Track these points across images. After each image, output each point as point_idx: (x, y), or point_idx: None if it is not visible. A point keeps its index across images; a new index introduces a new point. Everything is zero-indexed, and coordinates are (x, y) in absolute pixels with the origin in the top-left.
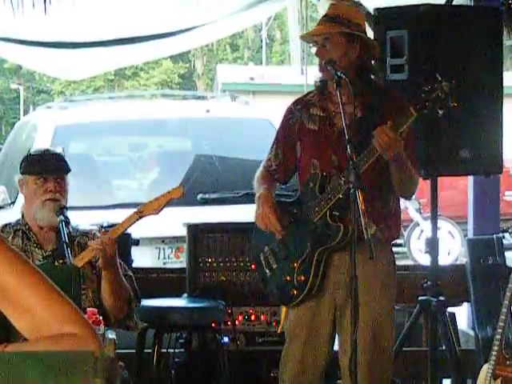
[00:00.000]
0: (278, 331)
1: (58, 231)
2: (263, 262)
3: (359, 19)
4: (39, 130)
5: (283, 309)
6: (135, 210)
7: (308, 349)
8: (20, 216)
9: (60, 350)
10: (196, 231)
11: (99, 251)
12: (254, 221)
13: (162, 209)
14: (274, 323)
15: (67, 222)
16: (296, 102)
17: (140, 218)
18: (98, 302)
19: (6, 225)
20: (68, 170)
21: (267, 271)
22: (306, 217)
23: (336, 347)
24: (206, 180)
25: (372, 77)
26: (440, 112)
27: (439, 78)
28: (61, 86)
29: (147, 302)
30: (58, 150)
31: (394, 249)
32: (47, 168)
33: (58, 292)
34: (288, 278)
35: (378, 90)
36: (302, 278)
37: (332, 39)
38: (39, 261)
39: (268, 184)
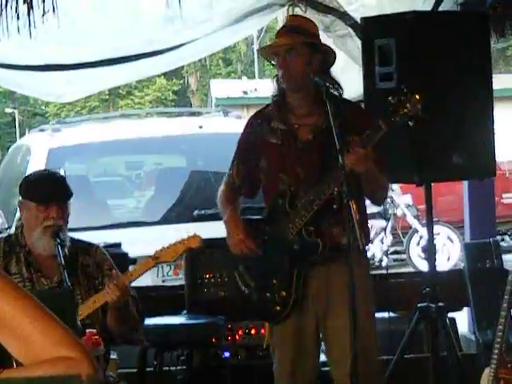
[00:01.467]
0: (264, 346)
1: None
2: (239, 280)
3: (316, 30)
4: (33, 153)
5: (267, 325)
6: (149, 256)
7: (297, 364)
8: (14, 233)
9: (48, 375)
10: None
11: (112, 300)
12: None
13: (178, 257)
14: None
15: (63, 245)
16: (255, 117)
17: (155, 264)
18: (102, 326)
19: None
20: (71, 196)
21: (244, 289)
22: (280, 233)
23: (322, 358)
24: (201, 196)
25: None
26: (411, 123)
27: (405, 91)
28: (55, 108)
29: (147, 321)
30: (61, 172)
31: (395, 256)
32: (51, 196)
33: (53, 317)
34: (268, 295)
35: (338, 101)
36: (284, 293)
37: (296, 49)
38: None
39: (232, 205)
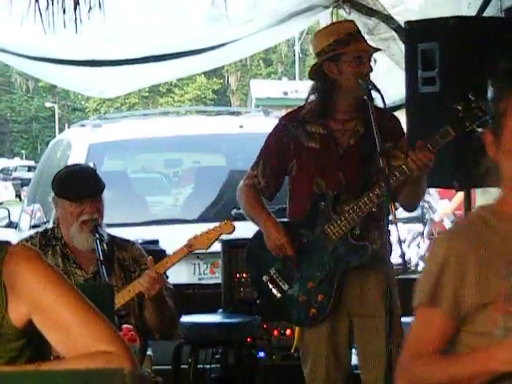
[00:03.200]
0: (292, 351)
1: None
2: (269, 285)
3: None
4: (73, 148)
5: (297, 329)
6: (183, 245)
7: (332, 367)
8: (51, 226)
9: (91, 368)
10: (230, 247)
11: (146, 289)
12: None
13: (212, 244)
14: None
15: (101, 240)
16: (289, 119)
17: (189, 252)
18: (139, 319)
19: (36, 234)
20: (103, 189)
21: (276, 293)
22: (322, 237)
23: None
24: None
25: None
26: (479, 131)
27: (472, 98)
28: (95, 103)
29: (183, 318)
30: (90, 165)
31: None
32: (83, 193)
33: (95, 310)
34: (304, 298)
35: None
36: (321, 296)
37: (370, 56)
38: (81, 282)
39: (264, 205)
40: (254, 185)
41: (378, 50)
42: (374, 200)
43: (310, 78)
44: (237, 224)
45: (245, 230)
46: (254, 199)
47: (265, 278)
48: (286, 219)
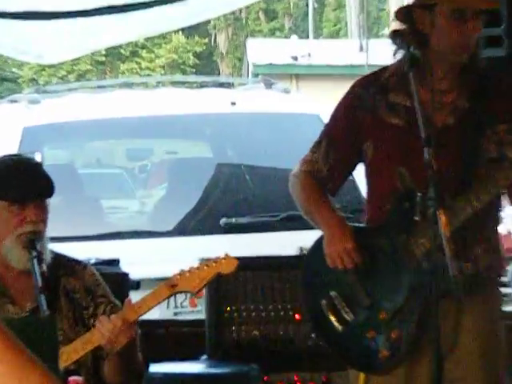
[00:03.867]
0: None
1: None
2: (329, 313)
3: None
4: (1, 133)
5: (360, 376)
6: (163, 282)
7: None
8: None
9: None
10: None
11: (109, 342)
12: (299, 253)
13: (203, 287)
14: None
15: (40, 260)
16: (366, 84)
17: (172, 294)
18: (93, 375)
19: None
20: (53, 191)
21: (337, 325)
22: (403, 251)
23: None
24: (231, 198)
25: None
26: None
27: None
28: (31, 71)
29: (152, 368)
30: (36, 157)
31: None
32: (27, 192)
33: (28, 356)
34: (373, 335)
35: (484, 75)
36: (398, 333)
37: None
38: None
39: (327, 198)
40: (313, 173)
41: (492, 5)
42: (476, 203)
43: (399, 19)
44: (227, 238)
45: (237, 246)
46: (313, 190)
47: (323, 302)
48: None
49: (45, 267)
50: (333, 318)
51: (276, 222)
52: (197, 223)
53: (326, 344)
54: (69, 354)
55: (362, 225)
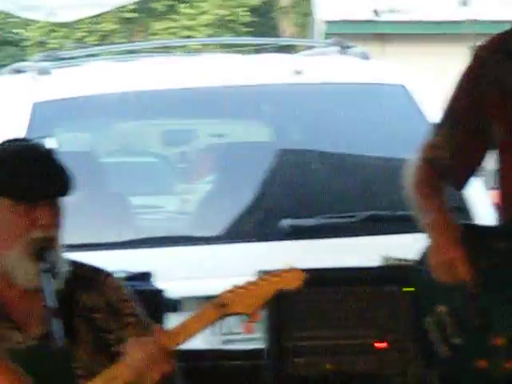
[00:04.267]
0: None
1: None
2: (433, 333)
3: None
4: (5, 110)
5: None
6: (211, 301)
7: None
8: None
9: None
10: None
11: (139, 375)
12: (382, 264)
13: (262, 307)
14: None
15: (55, 273)
16: (491, 49)
17: (221, 317)
18: None
19: None
20: (70, 188)
21: (442, 349)
22: None
23: None
24: (296, 195)
25: None
26: None
27: None
28: (39, 32)
29: None
30: (50, 143)
31: None
32: (38, 188)
33: None
34: (483, 365)
35: None
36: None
37: None
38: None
39: (441, 196)
40: (432, 161)
41: None
42: None
43: None
44: (290, 244)
45: (304, 254)
46: (426, 183)
47: (428, 319)
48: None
49: (60, 283)
50: (436, 340)
51: (353, 225)
52: (252, 226)
53: (430, 369)
54: None
55: (482, 224)
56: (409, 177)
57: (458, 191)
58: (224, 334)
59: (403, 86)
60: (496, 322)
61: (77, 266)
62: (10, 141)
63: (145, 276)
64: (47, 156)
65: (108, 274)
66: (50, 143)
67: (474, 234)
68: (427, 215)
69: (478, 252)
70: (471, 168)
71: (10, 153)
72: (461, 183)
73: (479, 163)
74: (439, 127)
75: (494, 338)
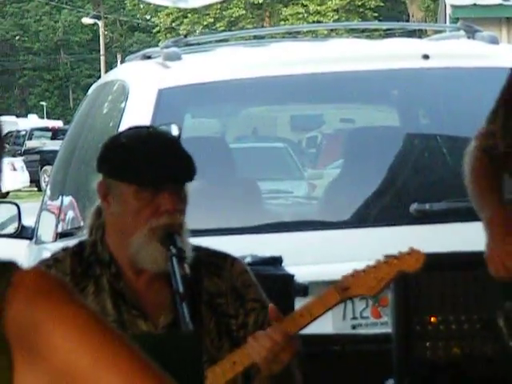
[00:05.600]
0: None
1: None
2: (504, 331)
3: None
4: (131, 96)
5: None
6: (332, 284)
7: None
8: (88, 239)
9: None
10: None
11: (265, 361)
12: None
13: (383, 289)
14: None
15: (182, 258)
16: None
17: (343, 300)
18: None
19: (65, 254)
20: (194, 175)
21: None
22: None
23: None
24: (424, 179)
25: None
26: None
27: None
28: (169, 18)
29: None
30: (173, 130)
31: None
32: (163, 175)
33: (162, 380)
34: None
35: None
36: None
37: None
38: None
39: (498, 188)
40: (487, 151)
41: None
42: None
43: None
44: (419, 229)
45: (433, 238)
46: (482, 173)
47: (501, 319)
48: None
49: (187, 269)
50: (506, 336)
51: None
52: (380, 211)
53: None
54: (215, 378)
55: None
56: (466, 166)
57: None
58: (352, 319)
59: None
60: None
61: (202, 251)
62: (133, 128)
63: (275, 261)
64: (172, 143)
65: (234, 260)
66: (175, 130)
67: None
68: (485, 210)
69: None
70: None
71: (135, 139)
72: None
73: None
74: (493, 115)
75: None
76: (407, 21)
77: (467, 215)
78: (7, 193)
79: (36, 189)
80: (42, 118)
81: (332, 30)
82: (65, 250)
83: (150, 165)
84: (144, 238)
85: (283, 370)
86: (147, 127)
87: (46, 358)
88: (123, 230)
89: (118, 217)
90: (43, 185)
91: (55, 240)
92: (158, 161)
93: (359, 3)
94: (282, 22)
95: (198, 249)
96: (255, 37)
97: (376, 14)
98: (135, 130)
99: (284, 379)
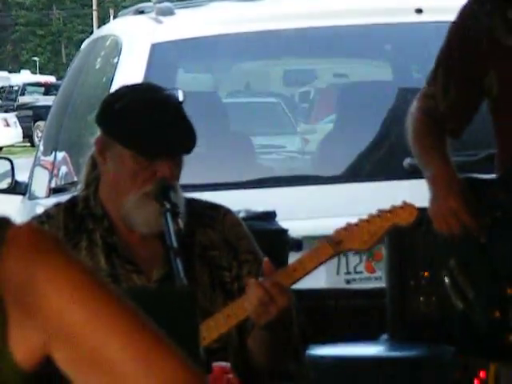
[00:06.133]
0: None
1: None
2: (448, 287)
3: None
4: (124, 51)
5: (491, 367)
6: (325, 238)
7: None
8: (82, 194)
9: None
10: None
11: (257, 313)
12: None
13: (376, 243)
14: None
15: (176, 213)
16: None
17: (336, 254)
18: (239, 356)
19: (57, 209)
20: (193, 147)
21: (457, 303)
22: None
23: None
24: None
25: None
26: None
27: None
28: None
29: (316, 350)
30: (180, 96)
31: None
32: (163, 144)
33: (160, 339)
34: (497, 315)
35: None
36: None
37: None
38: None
39: (441, 145)
40: (430, 110)
41: None
42: None
43: None
44: (412, 184)
45: (426, 194)
46: (425, 132)
47: (445, 274)
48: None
49: (181, 224)
50: (452, 295)
51: (474, 163)
52: (373, 165)
53: (445, 323)
54: (209, 331)
55: (483, 176)
56: (409, 127)
57: (455, 139)
58: (346, 274)
59: None
60: (503, 272)
61: (195, 203)
62: (143, 86)
63: (269, 215)
64: (176, 112)
65: (227, 211)
66: (181, 96)
67: (476, 187)
68: (428, 168)
69: (480, 204)
70: (469, 117)
71: (139, 102)
72: (459, 132)
73: (476, 112)
74: (433, 76)
75: (506, 288)
76: None
77: (460, 169)
78: (0, 148)
79: (29, 144)
80: (35, 73)
81: None
82: (57, 205)
83: (149, 134)
84: (137, 202)
85: (279, 323)
86: (154, 88)
87: (40, 314)
88: (117, 188)
89: (113, 175)
90: (36, 140)
91: (48, 195)
92: (158, 131)
93: None
94: None
95: (192, 201)
96: None
97: None
98: (141, 91)
99: (279, 331)
